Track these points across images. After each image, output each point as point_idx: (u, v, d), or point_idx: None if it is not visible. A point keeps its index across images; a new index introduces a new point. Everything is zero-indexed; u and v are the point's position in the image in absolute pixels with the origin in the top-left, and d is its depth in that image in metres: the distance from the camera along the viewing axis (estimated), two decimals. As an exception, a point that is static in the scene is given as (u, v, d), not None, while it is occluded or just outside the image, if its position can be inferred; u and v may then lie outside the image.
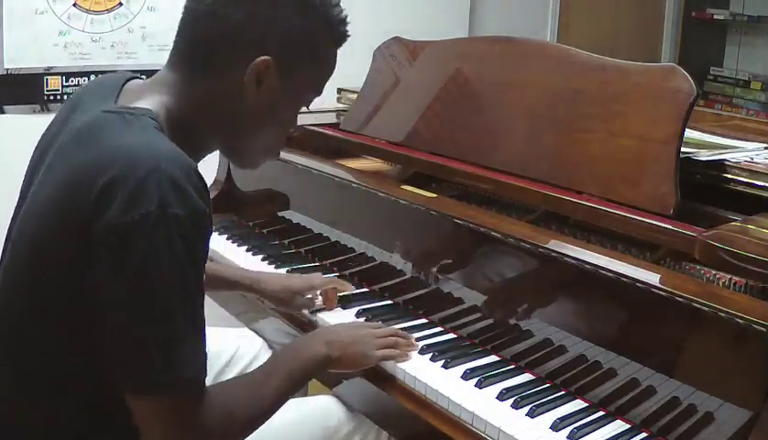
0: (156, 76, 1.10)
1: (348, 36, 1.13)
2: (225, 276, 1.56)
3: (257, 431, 1.07)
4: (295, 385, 1.14)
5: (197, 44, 1.06)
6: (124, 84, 1.09)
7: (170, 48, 1.11)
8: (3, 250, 1.11)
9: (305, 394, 1.63)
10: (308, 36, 1.07)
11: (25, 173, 1.15)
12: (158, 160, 0.92)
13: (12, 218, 1.13)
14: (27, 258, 1.01)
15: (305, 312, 1.48)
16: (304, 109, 1.17)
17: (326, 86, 1.17)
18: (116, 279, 0.92)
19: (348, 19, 1.11)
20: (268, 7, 1.04)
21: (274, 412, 1.10)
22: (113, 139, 0.96)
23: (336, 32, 1.11)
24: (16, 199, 1.14)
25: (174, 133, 1.02)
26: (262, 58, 1.03)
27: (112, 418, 1.02)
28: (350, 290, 1.51)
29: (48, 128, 1.15)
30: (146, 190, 0.90)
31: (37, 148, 1.15)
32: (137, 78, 1.13)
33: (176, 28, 1.11)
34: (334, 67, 1.14)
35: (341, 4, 1.11)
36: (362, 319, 1.43)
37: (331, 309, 1.47)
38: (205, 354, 0.97)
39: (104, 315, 0.94)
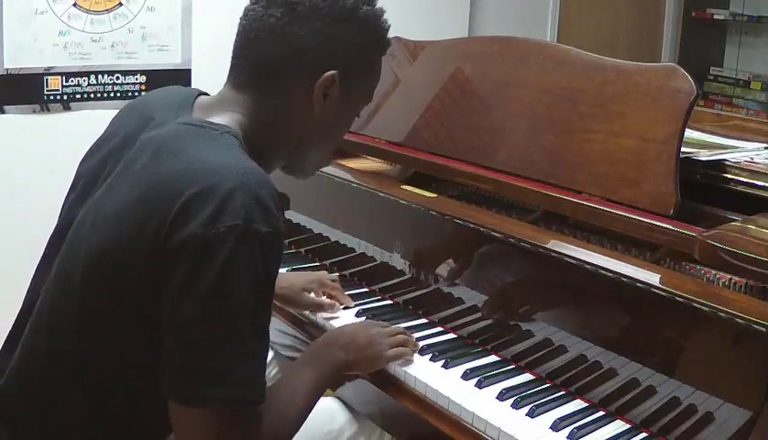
0: (224, 95, 1.11)
1: (391, 44, 1.17)
2: None
3: None
4: (320, 394, 1.14)
5: (263, 64, 1.07)
6: (195, 99, 1.10)
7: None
8: (48, 250, 1.11)
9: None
10: (365, 49, 1.11)
11: (80, 168, 1.14)
12: (244, 178, 0.93)
13: (60, 219, 1.12)
14: (89, 265, 0.99)
15: (307, 313, 1.49)
16: None
17: None
18: (192, 289, 0.90)
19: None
20: (329, 24, 1.06)
21: (304, 420, 1.10)
22: (198, 153, 0.97)
23: (386, 41, 1.15)
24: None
25: (250, 152, 1.02)
26: (330, 73, 1.07)
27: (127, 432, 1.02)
28: (350, 304, 1.50)
29: (108, 133, 1.15)
30: (232, 205, 0.90)
31: (93, 152, 1.14)
32: (205, 94, 1.14)
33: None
34: (380, 76, 1.18)
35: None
36: (362, 319, 1.44)
37: (333, 311, 1.48)
38: (265, 376, 0.96)
39: (167, 326, 0.92)
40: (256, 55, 1.08)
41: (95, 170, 1.10)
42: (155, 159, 0.99)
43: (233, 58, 1.11)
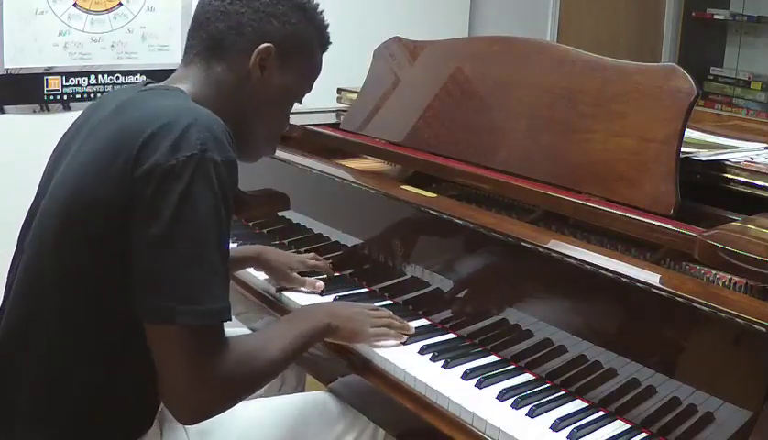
0: (174, 74, 1.22)
1: (330, 43, 1.27)
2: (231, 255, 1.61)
3: (253, 425, 1.08)
4: (299, 347, 1.19)
5: (210, 39, 1.18)
6: (146, 85, 1.20)
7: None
8: (19, 240, 1.16)
9: (302, 390, 1.63)
10: (302, 33, 1.22)
11: (42, 174, 1.20)
12: (197, 115, 1.04)
13: (28, 214, 1.17)
14: (58, 221, 1.06)
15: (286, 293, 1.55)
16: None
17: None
18: (158, 214, 0.98)
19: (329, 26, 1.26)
20: (268, 5, 1.18)
21: (280, 370, 1.19)
22: (154, 104, 1.08)
23: (324, 35, 1.26)
24: (15, 197, 1.16)
25: None
26: (265, 44, 1.17)
27: (115, 369, 1.08)
28: (332, 275, 1.61)
29: (68, 130, 1.23)
30: (188, 137, 1.00)
31: (56, 149, 1.21)
32: (153, 82, 1.23)
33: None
34: (320, 68, 1.28)
35: (334, 8, 1.21)
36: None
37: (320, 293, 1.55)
38: (229, 296, 1.03)
39: (136, 255, 0.99)
40: (203, 33, 1.19)
41: (57, 157, 1.18)
42: (115, 117, 1.09)
43: (185, 43, 1.23)
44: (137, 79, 2.48)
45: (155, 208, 0.98)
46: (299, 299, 1.53)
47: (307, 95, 1.30)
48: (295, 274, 1.58)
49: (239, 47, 1.17)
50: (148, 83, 1.21)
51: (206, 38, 1.19)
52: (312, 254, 1.65)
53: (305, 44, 1.23)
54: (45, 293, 1.07)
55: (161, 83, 1.20)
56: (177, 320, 0.98)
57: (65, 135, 1.22)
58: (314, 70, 1.27)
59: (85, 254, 1.04)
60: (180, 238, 0.98)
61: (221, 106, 1.15)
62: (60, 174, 1.11)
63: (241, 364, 1.06)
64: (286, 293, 1.55)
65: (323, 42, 1.26)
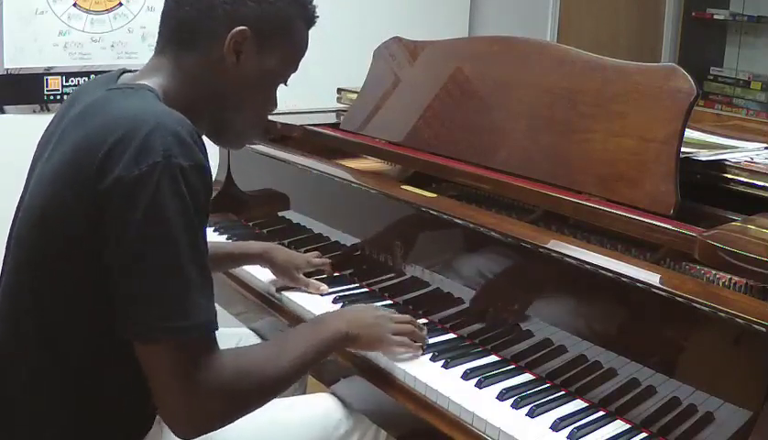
0: (147, 65, 1.15)
1: (317, 16, 1.19)
2: (230, 251, 1.62)
3: (255, 427, 1.07)
4: (313, 358, 1.16)
5: (181, 25, 1.12)
6: (119, 77, 1.15)
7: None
8: (7, 243, 1.13)
9: (304, 392, 1.63)
10: (281, 11, 1.14)
11: (27, 174, 1.18)
12: (160, 118, 0.98)
13: (15, 215, 1.15)
14: (37, 231, 1.04)
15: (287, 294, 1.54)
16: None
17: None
18: (126, 230, 0.94)
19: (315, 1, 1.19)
20: None
21: (289, 383, 1.13)
22: (116, 108, 1.02)
23: (308, 10, 1.18)
24: (15, 197, 1.15)
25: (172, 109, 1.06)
26: (239, 28, 1.10)
27: (99, 382, 1.06)
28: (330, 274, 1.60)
29: (47, 128, 1.19)
30: (151, 144, 0.95)
31: (37, 148, 1.18)
32: (130, 71, 1.18)
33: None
34: (306, 46, 1.20)
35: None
36: (339, 306, 1.46)
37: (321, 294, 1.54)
38: (214, 306, 1.00)
39: (112, 271, 0.97)
40: (174, 19, 1.13)
41: (36, 159, 1.16)
42: (81, 121, 1.04)
43: (158, 31, 1.16)
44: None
45: (122, 224, 0.95)
46: (299, 299, 1.53)
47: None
48: (300, 275, 1.56)
49: (211, 32, 1.10)
50: (123, 72, 1.16)
51: (175, 25, 1.12)
52: (316, 253, 1.64)
53: (285, 23, 1.15)
54: (32, 297, 1.05)
55: (131, 76, 1.14)
56: (161, 338, 0.96)
57: (43, 136, 1.19)
58: (299, 49, 1.19)
59: (63, 261, 1.01)
60: (151, 253, 0.95)
61: (196, 97, 1.12)
62: (34, 182, 1.09)
63: (241, 376, 1.02)
64: (286, 293, 1.55)
65: (309, 17, 1.18)
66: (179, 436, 1.02)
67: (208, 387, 0.98)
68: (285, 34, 1.15)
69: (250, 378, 1.04)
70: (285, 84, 1.21)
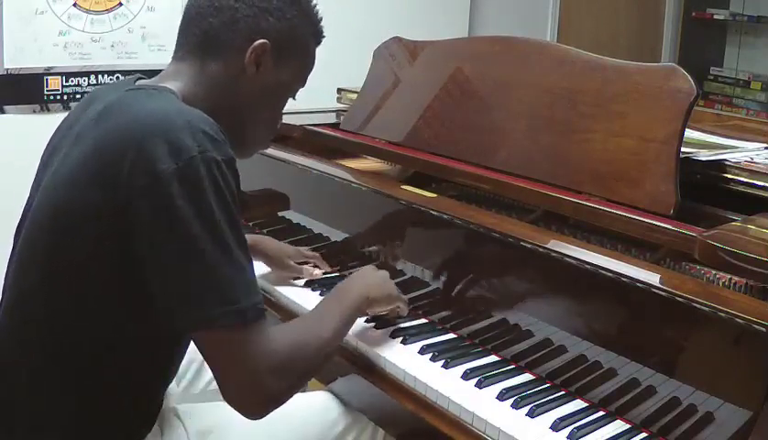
0: (166, 70, 1.18)
1: (324, 36, 1.25)
2: None
3: (253, 424, 1.07)
4: (346, 324, 1.22)
5: (203, 35, 1.15)
6: (135, 82, 1.17)
7: (173, 47, 1.19)
8: (14, 244, 1.14)
9: (302, 390, 1.63)
10: (297, 28, 1.19)
11: (35, 174, 1.19)
12: (187, 116, 1.01)
13: (22, 217, 1.16)
14: (50, 232, 1.05)
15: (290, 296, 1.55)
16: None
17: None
18: (172, 222, 0.96)
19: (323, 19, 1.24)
20: (263, 0, 1.16)
21: (333, 352, 1.18)
22: (142, 107, 1.04)
23: (318, 28, 1.24)
24: (15, 197, 1.15)
25: None
26: (261, 41, 1.15)
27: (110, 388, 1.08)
28: (328, 269, 1.62)
29: (59, 126, 1.20)
30: (185, 140, 0.98)
31: (47, 146, 1.19)
32: (143, 78, 1.20)
33: (176, 28, 1.18)
34: (314, 62, 1.26)
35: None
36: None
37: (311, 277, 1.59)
38: (258, 287, 1.04)
39: (150, 267, 0.99)
40: (195, 28, 1.16)
41: (48, 158, 1.16)
42: (102, 120, 1.06)
43: (176, 39, 1.19)
44: (137, 79, 2.48)
45: (168, 217, 0.96)
46: (291, 294, 1.54)
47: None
48: (292, 262, 1.59)
49: (234, 43, 1.14)
50: (138, 79, 1.18)
51: (199, 35, 1.16)
52: (306, 248, 1.66)
53: (300, 39, 1.20)
54: (40, 298, 1.06)
55: (150, 81, 1.17)
56: (217, 324, 0.98)
57: (54, 135, 1.20)
58: (309, 64, 1.25)
59: (77, 261, 1.02)
60: (203, 242, 0.97)
61: (214, 104, 1.14)
62: (48, 181, 1.09)
63: (294, 349, 1.07)
64: (278, 288, 1.56)
65: (318, 36, 1.24)
66: (250, 418, 1.05)
67: (269, 364, 1.02)
68: (299, 49, 1.21)
69: (305, 349, 1.09)
70: (294, 98, 1.26)
